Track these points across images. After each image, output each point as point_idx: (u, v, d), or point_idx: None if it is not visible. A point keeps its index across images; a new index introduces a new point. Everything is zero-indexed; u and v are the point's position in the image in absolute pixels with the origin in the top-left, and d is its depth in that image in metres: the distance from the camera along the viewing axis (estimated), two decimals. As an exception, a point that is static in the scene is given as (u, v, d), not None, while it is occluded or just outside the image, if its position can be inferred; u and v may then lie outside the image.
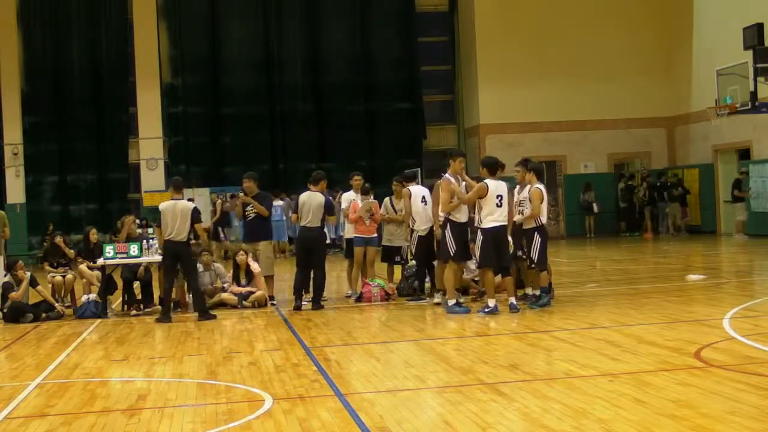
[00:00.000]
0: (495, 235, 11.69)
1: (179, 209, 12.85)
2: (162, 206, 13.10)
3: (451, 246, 11.96)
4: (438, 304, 12.72)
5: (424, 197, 13.15)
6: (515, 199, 12.36)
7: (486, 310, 11.64)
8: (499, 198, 11.67)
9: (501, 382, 7.49)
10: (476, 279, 13.45)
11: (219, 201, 26.65)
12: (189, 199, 13.44)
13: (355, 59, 30.65)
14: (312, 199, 13.39)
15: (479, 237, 11.75)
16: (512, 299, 11.84)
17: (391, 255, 14.50)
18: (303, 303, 13.55)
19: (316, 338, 10.59)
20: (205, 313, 12.90)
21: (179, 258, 12.99)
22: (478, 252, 11.86)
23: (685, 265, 18.68)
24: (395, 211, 14.43)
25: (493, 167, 11.90)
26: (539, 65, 28.81)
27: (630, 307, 11.96)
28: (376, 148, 30.38)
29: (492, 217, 11.65)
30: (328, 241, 14.30)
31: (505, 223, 11.89)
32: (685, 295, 13.21)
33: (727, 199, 26.31)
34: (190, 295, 13.83)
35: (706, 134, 27.00)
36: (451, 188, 11.94)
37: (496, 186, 11.74)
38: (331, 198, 13.78)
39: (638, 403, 6.50)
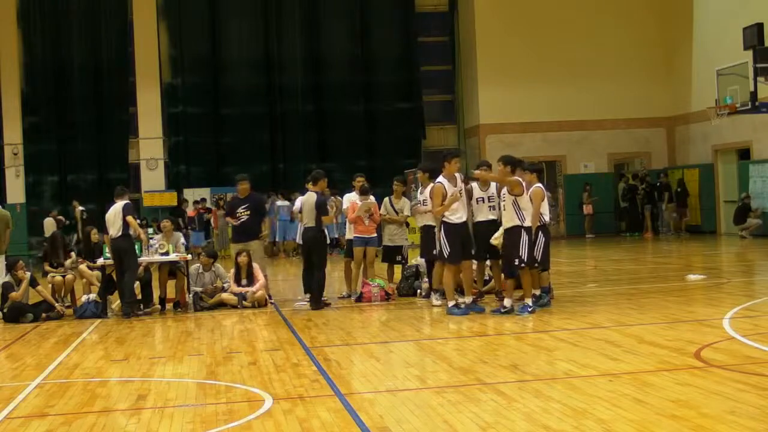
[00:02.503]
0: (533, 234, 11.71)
1: (116, 210, 13.39)
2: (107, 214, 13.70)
3: (445, 248, 11.90)
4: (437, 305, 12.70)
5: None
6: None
7: (529, 309, 11.46)
8: None
9: (501, 382, 7.48)
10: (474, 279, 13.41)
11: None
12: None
13: (355, 59, 30.67)
14: (309, 199, 13.50)
15: (524, 236, 11.49)
16: (510, 301, 11.75)
17: (392, 255, 14.50)
18: (303, 303, 13.58)
19: (316, 338, 10.59)
20: (130, 308, 13.32)
21: (120, 253, 13.32)
22: (524, 252, 11.49)
23: (685, 265, 18.68)
24: (395, 211, 14.44)
25: (516, 165, 11.79)
26: (539, 65, 28.82)
27: (630, 307, 11.96)
28: (376, 148, 30.40)
29: (529, 216, 11.62)
30: (327, 242, 14.25)
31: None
32: (685, 295, 13.21)
33: (727, 199, 26.35)
34: (191, 296, 13.85)
35: (706, 134, 27.00)
36: (443, 193, 11.81)
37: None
38: (324, 198, 13.70)
39: (638, 403, 6.50)
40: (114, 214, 13.38)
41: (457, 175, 12.04)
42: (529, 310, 11.44)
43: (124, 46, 29.94)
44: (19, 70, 29.30)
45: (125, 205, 13.42)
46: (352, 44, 30.77)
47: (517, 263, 11.56)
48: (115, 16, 29.91)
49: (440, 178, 12.02)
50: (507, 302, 11.57)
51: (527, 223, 11.50)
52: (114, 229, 13.30)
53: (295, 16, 30.46)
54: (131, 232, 13.46)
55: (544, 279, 12.25)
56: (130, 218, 13.27)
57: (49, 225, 25.37)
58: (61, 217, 26.20)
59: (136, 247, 13.68)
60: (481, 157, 26.22)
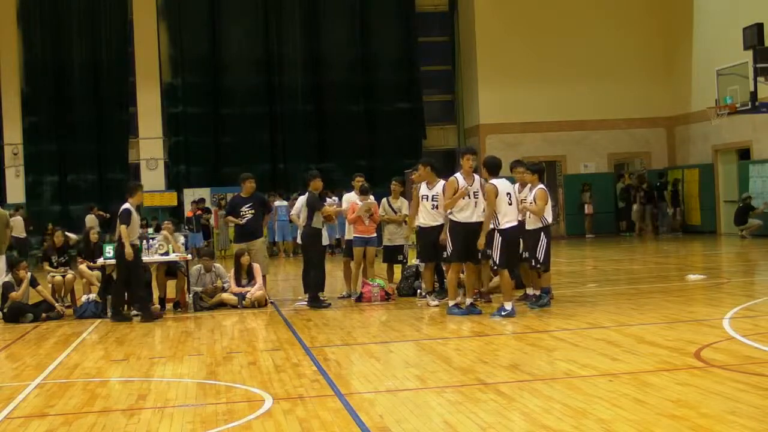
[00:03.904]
0: (512, 235, 11.48)
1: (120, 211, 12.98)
2: None
3: (449, 246, 11.89)
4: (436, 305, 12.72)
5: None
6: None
7: (503, 312, 11.29)
8: (509, 196, 11.43)
9: (501, 382, 7.48)
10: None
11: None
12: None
13: (355, 59, 30.67)
14: (302, 199, 13.71)
15: (497, 238, 11.38)
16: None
17: (392, 255, 14.51)
18: (303, 303, 13.59)
19: (316, 338, 10.59)
20: (119, 315, 12.89)
21: (117, 259, 12.96)
22: (496, 254, 11.45)
23: (685, 265, 18.68)
24: (393, 211, 14.45)
25: (494, 168, 11.65)
26: (539, 65, 28.83)
27: (630, 307, 11.96)
28: (376, 148, 30.40)
29: (507, 218, 11.38)
30: (327, 242, 14.24)
31: (516, 223, 11.60)
32: (685, 295, 13.21)
33: (727, 199, 26.35)
34: (191, 296, 13.85)
35: (706, 134, 27.00)
36: (455, 187, 11.80)
37: (503, 185, 11.50)
38: (314, 195, 13.67)
39: (638, 403, 6.50)
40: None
41: (475, 176, 11.98)
42: (503, 313, 11.29)
43: (124, 46, 29.95)
44: (19, 70, 29.30)
45: (122, 210, 12.81)
46: (352, 44, 30.77)
47: (491, 265, 11.62)
48: (115, 16, 29.91)
49: (456, 174, 12.00)
50: (507, 305, 11.51)
51: (500, 225, 11.40)
52: (116, 233, 12.97)
53: (295, 16, 30.46)
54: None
55: (545, 279, 12.24)
56: (122, 228, 12.67)
57: (91, 221, 25.40)
58: (102, 212, 26.13)
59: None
60: (481, 157, 26.23)
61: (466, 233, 11.75)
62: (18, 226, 24.35)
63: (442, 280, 13.24)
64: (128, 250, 12.72)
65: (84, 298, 14.07)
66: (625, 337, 9.52)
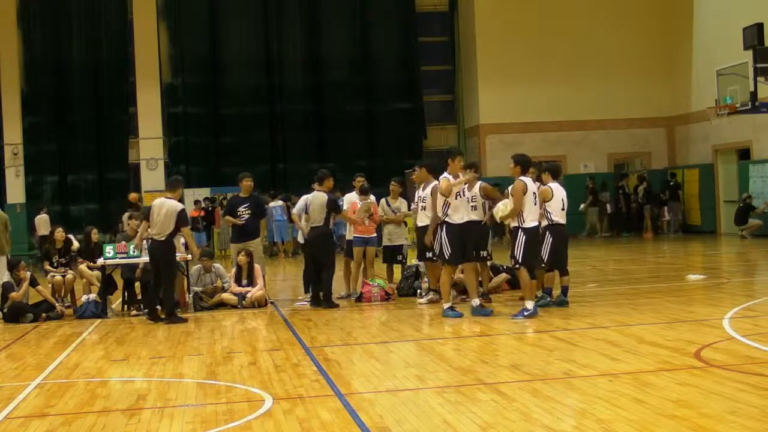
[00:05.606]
0: (534, 235, 11.45)
1: (168, 209, 12.63)
2: (153, 203, 13.07)
3: (446, 248, 11.81)
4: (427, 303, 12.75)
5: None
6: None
7: (525, 313, 11.14)
8: (534, 196, 11.42)
9: (501, 382, 7.48)
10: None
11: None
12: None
13: (355, 59, 30.67)
14: (316, 198, 13.46)
15: (521, 236, 11.31)
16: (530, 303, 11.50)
17: (392, 255, 14.50)
18: (303, 303, 13.60)
19: (316, 338, 10.59)
20: (172, 315, 12.61)
21: (158, 258, 12.74)
22: (519, 252, 11.36)
23: (685, 265, 18.68)
24: (392, 211, 14.45)
25: (527, 165, 11.60)
26: (539, 65, 28.83)
27: (630, 307, 11.96)
28: (376, 148, 30.40)
29: (533, 216, 11.37)
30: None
31: (538, 223, 11.57)
32: (685, 295, 13.21)
33: (727, 199, 26.35)
34: (191, 296, 13.85)
35: (706, 134, 27.00)
36: (449, 185, 11.72)
37: (533, 184, 11.49)
38: (334, 197, 13.75)
39: (638, 403, 6.50)
40: (163, 212, 12.57)
41: (461, 174, 11.94)
42: (525, 314, 11.17)
43: (124, 46, 29.95)
44: (19, 70, 29.30)
45: (182, 211, 12.61)
46: (352, 44, 30.78)
47: (513, 263, 11.59)
48: (115, 16, 29.91)
49: (445, 174, 11.96)
50: (529, 304, 11.30)
51: (525, 224, 11.37)
52: (157, 229, 12.62)
53: (295, 16, 30.47)
54: (181, 241, 13.19)
55: (548, 279, 12.23)
56: (186, 231, 12.62)
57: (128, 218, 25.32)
58: (135, 195, 26.11)
59: (130, 247, 13.58)
60: (481, 157, 26.26)
61: (463, 233, 11.73)
62: (44, 224, 24.42)
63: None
64: (195, 250, 13.12)
65: (84, 298, 14.07)
66: (625, 337, 9.52)
